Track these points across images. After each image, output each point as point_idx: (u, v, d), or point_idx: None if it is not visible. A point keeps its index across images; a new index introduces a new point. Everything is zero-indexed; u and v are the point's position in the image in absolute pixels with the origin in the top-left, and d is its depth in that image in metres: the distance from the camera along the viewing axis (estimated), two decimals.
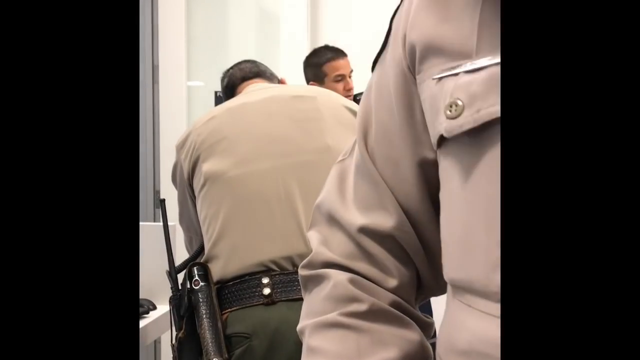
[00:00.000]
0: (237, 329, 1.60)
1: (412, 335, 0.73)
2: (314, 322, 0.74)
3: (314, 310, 0.75)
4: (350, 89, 2.98)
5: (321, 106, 1.78)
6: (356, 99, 2.87)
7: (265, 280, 1.59)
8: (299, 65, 3.10)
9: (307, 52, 3.31)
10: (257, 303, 1.59)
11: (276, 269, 1.61)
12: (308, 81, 3.03)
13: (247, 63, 2.10)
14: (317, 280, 0.76)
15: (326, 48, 3.06)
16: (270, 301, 1.59)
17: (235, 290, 1.62)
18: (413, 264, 0.74)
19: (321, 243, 0.77)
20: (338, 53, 3.00)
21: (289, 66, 3.44)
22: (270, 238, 1.63)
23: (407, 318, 0.74)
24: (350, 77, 3.00)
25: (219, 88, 2.32)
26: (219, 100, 3.54)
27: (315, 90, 1.95)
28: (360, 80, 2.85)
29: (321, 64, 2.99)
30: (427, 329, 0.76)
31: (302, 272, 0.79)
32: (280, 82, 2.10)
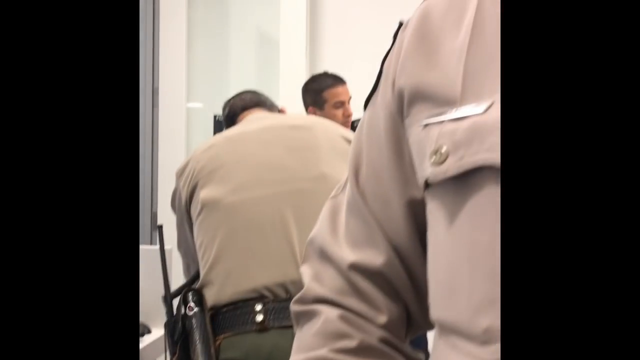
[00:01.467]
0: (230, 354, 1.62)
1: None
2: (304, 358, 0.74)
3: (304, 345, 0.76)
4: (349, 115, 3.00)
5: (318, 135, 1.80)
6: (354, 125, 2.89)
7: (258, 307, 1.61)
8: (298, 89, 3.12)
9: (305, 76, 3.33)
10: (250, 329, 1.61)
11: (269, 295, 1.63)
12: (307, 107, 3.05)
13: (248, 93, 2.14)
14: (309, 315, 0.77)
15: (326, 75, 3.09)
16: (263, 328, 1.60)
17: (228, 316, 1.63)
18: (402, 300, 0.75)
19: (313, 278, 0.78)
20: (337, 80, 3.02)
21: (288, 90, 3.47)
22: (264, 265, 1.65)
23: (396, 354, 0.74)
24: (349, 103, 3.02)
25: (218, 111, 2.35)
26: (218, 124, 3.56)
27: (312, 120, 1.99)
28: (359, 106, 2.88)
29: (321, 90, 3.02)
30: None
31: (294, 307, 0.79)
32: (281, 111, 2.13)
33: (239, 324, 1.62)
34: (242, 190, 1.72)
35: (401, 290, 0.74)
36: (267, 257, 1.66)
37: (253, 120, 1.95)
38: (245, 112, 2.05)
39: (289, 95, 3.43)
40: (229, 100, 2.15)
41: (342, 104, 2.99)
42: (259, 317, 1.60)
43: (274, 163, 1.75)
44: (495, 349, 0.56)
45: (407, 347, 0.76)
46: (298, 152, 1.77)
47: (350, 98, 3.03)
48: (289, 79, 3.56)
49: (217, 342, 1.64)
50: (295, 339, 0.78)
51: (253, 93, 2.14)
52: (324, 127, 1.88)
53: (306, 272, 0.79)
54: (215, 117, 3.62)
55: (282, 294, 1.63)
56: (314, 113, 2.98)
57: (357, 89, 2.91)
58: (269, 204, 1.70)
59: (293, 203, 1.70)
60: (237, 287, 1.64)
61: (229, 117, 2.10)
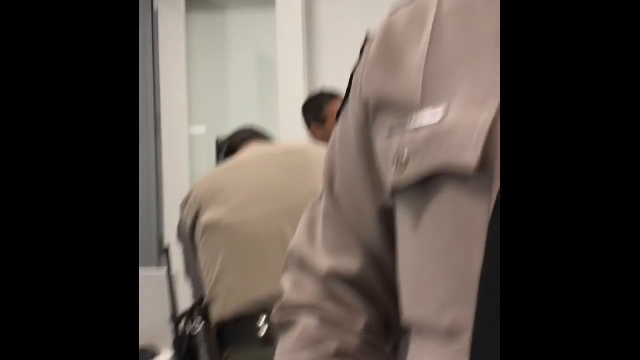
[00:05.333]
0: None
1: None
2: None
3: (286, 353, 0.78)
4: None
5: (311, 156, 1.88)
6: None
7: (261, 320, 1.64)
8: (297, 108, 3.15)
9: (304, 94, 3.37)
10: (255, 343, 1.64)
11: (272, 307, 1.66)
12: (309, 125, 3.07)
13: (246, 129, 2.27)
14: (289, 323, 0.79)
15: (325, 92, 3.12)
16: (267, 341, 1.64)
17: (233, 331, 1.68)
18: (380, 304, 0.77)
19: (293, 288, 0.80)
20: (337, 96, 3.05)
21: (288, 109, 3.52)
22: (264, 278, 1.69)
23: (376, 357, 0.76)
24: None
25: (220, 134, 2.43)
26: (220, 148, 3.60)
27: (306, 145, 2.09)
28: None
29: (322, 107, 3.04)
30: None
31: (275, 316, 0.82)
32: None
33: (243, 338, 1.66)
34: (240, 210, 1.79)
35: (378, 294, 0.76)
36: (267, 271, 1.70)
37: (250, 151, 2.05)
38: (243, 145, 2.14)
39: (289, 115, 3.48)
40: (229, 138, 2.26)
41: None
42: (263, 330, 1.64)
43: (270, 183, 1.82)
44: (459, 342, 0.59)
45: (387, 350, 0.78)
46: (293, 172, 1.84)
47: None
48: (288, 99, 3.60)
49: (224, 357, 1.67)
50: (278, 346, 0.81)
51: (251, 129, 2.25)
52: (317, 150, 1.96)
53: (287, 282, 0.82)
54: (217, 140, 3.66)
55: None
56: (317, 130, 3.01)
57: None
58: (267, 220, 1.75)
59: (290, 217, 1.75)
60: (240, 301, 1.69)
61: (228, 152, 2.19)
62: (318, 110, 3.04)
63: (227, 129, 2.40)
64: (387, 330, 0.79)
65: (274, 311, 0.82)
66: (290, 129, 3.42)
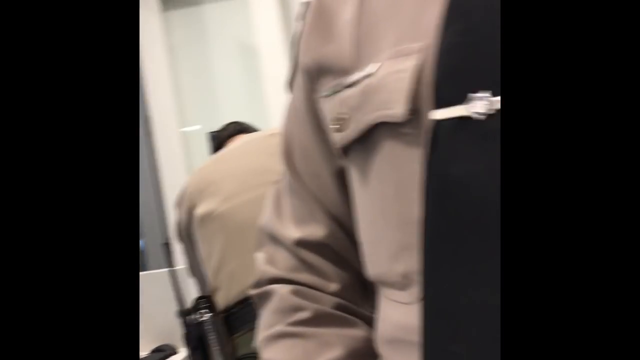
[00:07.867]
0: (245, 350, 1.70)
1: (357, 332, 0.77)
2: (264, 335, 0.79)
3: (265, 324, 0.80)
4: None
5: None
6: None
7: None
8: (283, 91, 3.17)
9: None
10: None
11: None
12: None
13: (231, 124, 2.29)
14: (265, 296, 0.81)
15: None
16: None
17: (239, 315, 1.71)
18: (351, 266, 0.78)
19: (266, 262, 0.82)
20: None
21: (275, 96, 3.54)
22: None
23: (352, 317, 0.78)
24: None
25: (212, 128, 2.46)
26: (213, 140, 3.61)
27: None
28: None
29: None
30: None
31: (252, 292, 0.84)
32: None
33: (250, 321, 1.68)
34: (231, 198, 1.82)
35: (348, 256, 0.78)
36: None
37: (236, 141, 2.09)
38: (230, 140, 2.18)
39: (277, 102, 3.50)
40: (215, 135, 2.29)
41: None
42: None
43: (258, 168, 1.85)
44: (413, 291, 0.60)
45: (365, 310, 0.79)
46: (279, 155, 1.85)
47: None
48: (274, 85, 3.61)
49: (235, 342, 1.71)
50: (259, 320, 0.83)
51: (236, 123, 2.28)
52: None
53: (260, 257, 0.84)
54: (209, 134, 3.68)
55: None
56: None
57: None
58: (258, 205, 1.75)
59: None
60: (242, 286, 1.72)
61: (216, 148, 2.22)
62: None
63: (218, 123, 2.42)
64: (365, 289, 0.80)
65: (250, 287, 0.84)
66: (279, 115, 3.44)
